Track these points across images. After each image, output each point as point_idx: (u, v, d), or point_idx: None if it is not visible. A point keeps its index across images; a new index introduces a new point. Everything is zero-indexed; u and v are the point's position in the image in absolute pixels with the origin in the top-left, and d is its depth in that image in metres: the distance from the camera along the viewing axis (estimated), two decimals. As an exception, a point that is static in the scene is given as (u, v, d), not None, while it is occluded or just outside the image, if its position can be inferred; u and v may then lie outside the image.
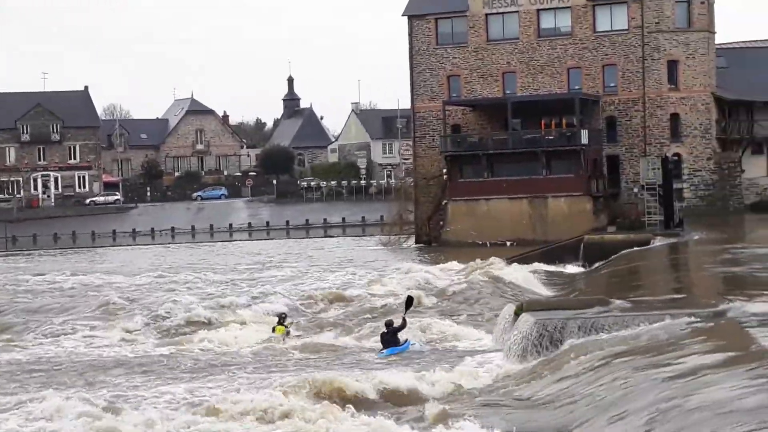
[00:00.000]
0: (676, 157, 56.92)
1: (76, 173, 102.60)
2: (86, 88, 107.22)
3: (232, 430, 15.31)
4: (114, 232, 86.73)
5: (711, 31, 59.26)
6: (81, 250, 74.20)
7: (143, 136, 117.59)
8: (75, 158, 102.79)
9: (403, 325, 24.33)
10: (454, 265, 40.63)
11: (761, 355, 14.21)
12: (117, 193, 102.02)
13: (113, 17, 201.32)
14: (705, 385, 13.08)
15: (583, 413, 14.21)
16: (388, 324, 24.37)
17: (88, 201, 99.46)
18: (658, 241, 42.73)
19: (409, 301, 26.24)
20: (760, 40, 67.71)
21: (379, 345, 24.24)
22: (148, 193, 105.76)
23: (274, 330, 27.05)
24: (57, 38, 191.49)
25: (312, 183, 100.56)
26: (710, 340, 16.64)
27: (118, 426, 15.45)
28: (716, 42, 60.68)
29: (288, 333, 26.83)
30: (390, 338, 24.00)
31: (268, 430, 15.21)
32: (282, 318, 27.73)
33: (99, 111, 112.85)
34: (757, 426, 10.45)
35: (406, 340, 24.09)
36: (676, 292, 25.99)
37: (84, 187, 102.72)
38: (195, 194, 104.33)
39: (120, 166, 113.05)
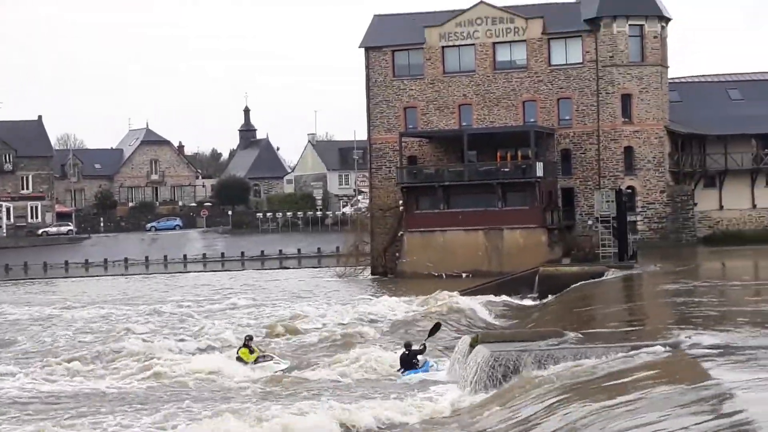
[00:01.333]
0: (629, 190, 57.39)
1: (29, 203, 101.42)
2: (40, 117, 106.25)
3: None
4: (66, 262, 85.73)
5: (664, 65, 60.00)
6: (34, 281, 73.22)
7: (97, 165, 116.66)
8: (28, 188, 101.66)
9: (423, 350, 25.12)
10: (410, 296, 40.54)
11: (713, 389, 14.21)
12: (70, 223, 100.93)
13: (67, 45, 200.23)
14: (658, 418, 13.04)
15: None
16: (408, 345, 25.23)
17: (40, 231, 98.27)
18: (612, 274, 42.93)
19: (436, 327, 27.52)
20: (712, 75, 68.67)
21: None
22: (102, 224, 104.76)
23: (238, 354, 26.66)
24: (10, 67, 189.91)
25: (267, 214, 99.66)
26: (663, 373, 16.64)
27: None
28: (669, 76, 61.44)
29: (254, 354, 26.44)
30: (410, 360, 24.73)
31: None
32: (248, 340, 27.35)
33: (53, 140, 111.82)
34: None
35: (425, 362, 24.75)
36: (630, 325, 26.04)
37: (37, 217, 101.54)
38: (149, 225, 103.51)
39: (73, 196, 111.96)
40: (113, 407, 21.30)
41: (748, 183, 62.72)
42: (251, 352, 26.66)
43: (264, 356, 27.09)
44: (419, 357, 24.92)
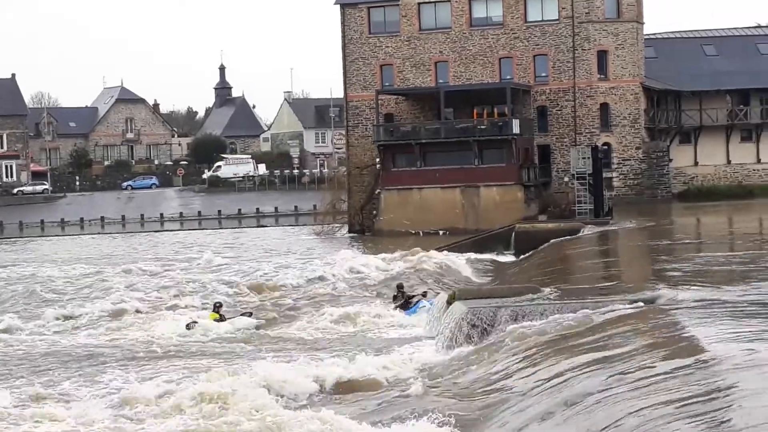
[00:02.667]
0: (605, 147, 57.60)
1: (4, 162, 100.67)
2: (13, 75, 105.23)
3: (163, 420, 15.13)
4: (42, 222, 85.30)
5: (640, 21, 60.00)
6: (8, 241, 72.90)
7: (72, 124, 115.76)
8: (2, 147, 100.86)
9: (413, 296, 27.80)
10: (387, 253, 40.67)
11: (689, 343, 14.41)
12: (45, 182, 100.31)
13: (40, 3, 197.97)
14: (634, 371, 13.22)
15: (513, 400, 14.29)
16: (400, 286, 28.40)
17: (15, 191, 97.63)
18: (588, 230, 43.20)
19: (400, 287, 29.02)
20: (688, 31, 68.75)
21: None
22: (77, 183, 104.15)
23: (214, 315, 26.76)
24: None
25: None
26: (639, 328, 16.83)
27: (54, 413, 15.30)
28: (645, 32, 61.46)
29: (222, 318, 26.57)
30: (404, 303, 27.25)
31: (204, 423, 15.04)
32: (217, 306, 27.46)
33: (26, 99, 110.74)
34: (684, 411, 10.58)
35: (418, 301, 27.14)
36: (606, 280, 26.28)
37: (11, 176, 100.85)
38: (125, 184, 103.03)
39: (48, 155, 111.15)
40: (82, 364, 21.37)
41: (722, 139, 63.06)
42: (221, 318, 26.67)
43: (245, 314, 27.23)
44: (412, 301, 27.15)
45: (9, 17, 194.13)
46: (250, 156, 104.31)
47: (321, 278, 35.01)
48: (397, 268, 36.42)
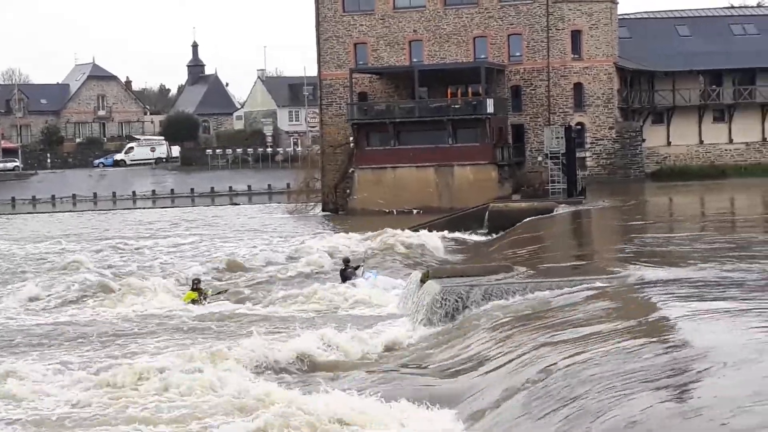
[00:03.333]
0: (579, 126, 57.77)
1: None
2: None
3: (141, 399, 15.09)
4: (13, 199, 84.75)
5: (614, 1, 60.08)
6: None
7: (43, 101, 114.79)
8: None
9: (357, 266, 28.85)
10: (361, 232, 40.67)
11: (659, 321, 14.50)
12: (16, 159, 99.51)
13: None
14: (605, 350, 13.29)
15: (484, 379, 14.34)
16: (346, 261, 29.26)
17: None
18: (561, 209, 43.36)
19: (346, 261, 30.03)
20: (661, 11, 68.92)
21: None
22: (49, 160, 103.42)
23: (190, 297, 26.61)
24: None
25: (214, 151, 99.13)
26: (611, 307, 16.93)
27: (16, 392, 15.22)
28: (619, 12, 61.57)
29: (204, 298, 26.47)
30: (349, 274, 28.18)
31: (189, 401, 15.00)
32: (196, 283, 27.33)
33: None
34: (650, 388, 10.65)
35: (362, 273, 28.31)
36: (578, 259, 26.40)
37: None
38: (97, 161, 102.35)
39: (19, 132, 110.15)
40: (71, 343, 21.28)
41: (695, 119, 63.35)
42: (201, 295, 26.56)
43: (215, 296, 27.13)
44: (357, 272, 28.20)
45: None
46: (162, 138, 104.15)
47: (293, 257, 34.95)
48: (369, 247, 36.39)
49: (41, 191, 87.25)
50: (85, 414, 14.72)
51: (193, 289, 26.99)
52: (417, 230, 40.17)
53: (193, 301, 26.34)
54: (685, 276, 19.43)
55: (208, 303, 26.30)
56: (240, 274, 32.52)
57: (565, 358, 13.25)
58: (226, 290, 27.70)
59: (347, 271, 28.37)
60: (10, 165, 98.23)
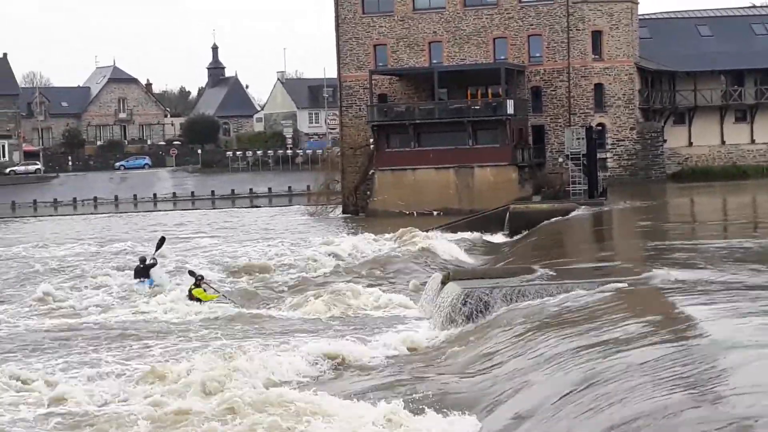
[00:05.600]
0: (599, 127, 57.55)
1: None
2: (5, 55, 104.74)
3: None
4: (35, 201, 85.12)
5: (634, 1, 59.87)
6: (2, 221, 72.77)
7: (64, 104, 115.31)
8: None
9: (155, 264, 28.69)
10: (381, 234, 40.62)
11: (682, 322, 14.39)
12: (37, 162, 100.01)
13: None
14: (627, 351, 13.20)
15: (505, 381, 14.27)
16: (143, 260, 29.02)
17: (8, 170, 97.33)
18: (582, 211, 43.17)
19: (161, 241, 31.13)
20: (682, 11, 68.63)
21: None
22: (70, 163, 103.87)
23: (190, 293, 26.26)
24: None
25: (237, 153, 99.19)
26: (633, 308, 16.82)
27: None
28: (639, 12, 61.33)
29: (223, 297, 26.25)
30: (144, 272, 28.35)
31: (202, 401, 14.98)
32: (199, 280, 26.75)
33: (18, 78, 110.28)
34: (677, 390, 10.57)
35: (151, 278, 28.15)
36: (600, 261, 26.24)
37: (4, 156, 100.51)
38: (118, 164, 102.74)
39: (40, 135, 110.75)
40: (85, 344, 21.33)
41: (717, 119, 63.04)
42: (205, 291, 26.31)
43: (224, 296, 26.80)
44: (153, 270, 28.29)
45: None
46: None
47: (312, 259, 34.89)
48: (389, 249, 36.35)
49: (62, 194, 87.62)
50: (118, 413, 14.70)
51: (196, 286, 26.46)
52: (437, 232, 40.10)
53: (194, 298, 25.93)
54: (708, 277, 19.30)
55: (215, 302, 25.99)
56: (260, 275, 32.47)
57: (588, 360, 13.17)
58: (231, 301, 27.05)
59: (142, 269, 28.73)
60: (31, 168, 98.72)
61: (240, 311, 25.47)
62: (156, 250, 30.44)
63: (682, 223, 37.04)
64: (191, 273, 27.63)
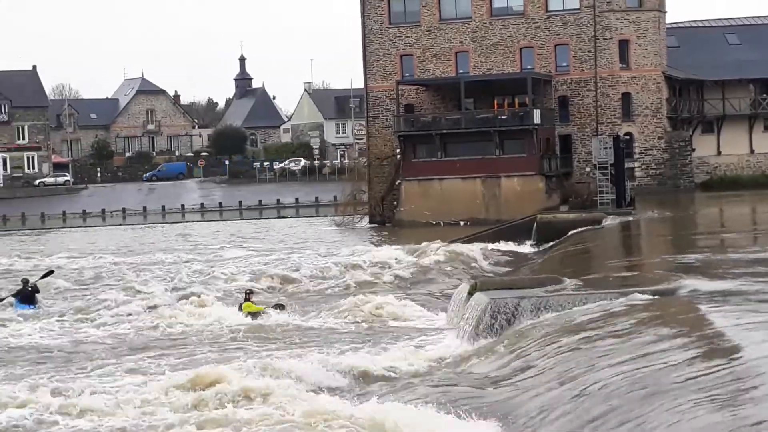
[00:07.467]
0: (627, 137, 57.29)
1: (25, 154, 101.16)
2: (34, 67, 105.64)
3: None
4: (64, 213, 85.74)
5: (662, 10, 59.64)
6: (32, 232, 73.34)
7: (93, 116, 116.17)
8: (24, 138, 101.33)
9: (37, 291, 29.02)
10: (407, 244, 40.61)
11: (712, 333, 14.30)
12: (66, 173, 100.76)
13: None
14: (657, 362, 13.13)
15: (534, 392, 14.22)
16: (25, 282, 29.15)
17: (37, 182, 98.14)
18: (610, 220, 42.98)
19: (49, 272, 31.73)
20: (711, 20, 68.31)
21: None
22: (99, 174, 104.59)
23: (240, 307, 26.58)
24: (4, 17, 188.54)
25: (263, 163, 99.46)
26: (662, 318, 16.72)
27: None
28: (667, 21, 61.09)
29: (274, 308, 26.46)
30: (30, 296, 28.52)
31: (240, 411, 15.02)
32: (248, 294, 27.29)
33: (48, 90, 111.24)
34: (707, 402, 10.50)
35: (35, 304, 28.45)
36: (628, 271, 26.13)
37: (33, 167, 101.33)
38: (148, 174, 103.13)
39: (69, 147, 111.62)
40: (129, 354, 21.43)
41: (745, 128, 62.63)
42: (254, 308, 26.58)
43: (275, 307, 27.08)
44: (37, 296, 28.55)
45: (28, 9, 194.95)
46: None
47: (340, 269, 34.95)
48: (416, 259, 36.32)
49: (91, 205, 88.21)
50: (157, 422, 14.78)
51: (246, 300, 27.01)
52: (464, 242, 40.04)
53: (251, 313, 26.32)
54: (738, 288, 19.17)
55: (263, 314, 26.30)
56: (289, 286, 32.57)
57: (617, 373, 13.10)
58: (282, 306, 27.43)
59: (24, 291, 28.68)
60: (60, 179, 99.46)
61: (276, 322, 25.57)
62: (41, 278, 30.79)
63: (711, 233, 36.79)
64: (248, 292, 27.71)
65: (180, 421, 14.37)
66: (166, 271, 37.71)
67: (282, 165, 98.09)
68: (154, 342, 23.20)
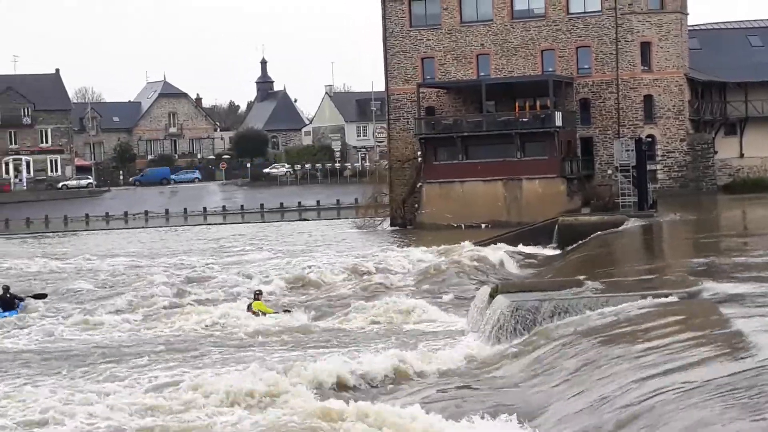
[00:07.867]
0: (649, 139, 57.07)
1: (48, 157, 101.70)
2: (57, 71, 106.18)
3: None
4: (87, 215, 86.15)
5: (684, 12, 59.41)
6: (55, 234, 73.75)
7: (115, 119, 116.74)
8: (47, 142, 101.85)
9: (23, 299, 29.43)
10: (429, 247, 40.62)
11: (735, 335, 14.26)
12: (89, 176, 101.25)
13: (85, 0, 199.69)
14: (678, 364, 13.11)
15: (556, 394, 14.23)
16: (6, 289, 29.12)
17: (60, 185, 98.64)
18: (632, 223, 42.84)
19: (43, 296, 31.01)
20: (733, 21, 68.00)
21: None
22: (121, 177, 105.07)
23: (250, 307, 26.79)
24: (28, 21, 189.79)
25: (278, 168, 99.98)
26: (684, 320, 16.69)
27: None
28: (689, 23, 60.86)
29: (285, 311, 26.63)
30: (9, 302, 28.58)
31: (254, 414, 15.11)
32: (257, 294, 27.51)
33: (70, 94, 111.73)
34: (727, 403, 10.49)
35: (18, 306, 28.71)
36: (650, 273, 26.06)
37: (56, 170, 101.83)
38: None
39: (92, 150, 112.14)
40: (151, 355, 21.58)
41: (768, 130, 62.28)
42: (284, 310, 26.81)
43: (286, 310, 27.25)
44: (20, 302, 28.81)
45: (51, 13, 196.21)
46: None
47: (362, 272, 34.99)
48: (438, 261, 36.32)
49: (114, 208, 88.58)
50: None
51: (255, 300, 27.17)
52: (486, 245, 40.01)
53: (257, 312, 26.41)
54: (762, 291, 19.09)
55: (274, 314, 26.44)
56: (309, 288, 32.64)
57: (642, 378, 13.09)
58: (288, 311, 27.53)
59: (6, 298, 28.79)
60: (83, 182, 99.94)
61: (295, 323, 25.67)
62: (32, 296, 30.86)
63: (734, 236, 36.62)
64: (257, 293, 27.88)
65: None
66: (190, 273, 37.88)
67: (267, 170, 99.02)
68: (167, 344, 23.30)
